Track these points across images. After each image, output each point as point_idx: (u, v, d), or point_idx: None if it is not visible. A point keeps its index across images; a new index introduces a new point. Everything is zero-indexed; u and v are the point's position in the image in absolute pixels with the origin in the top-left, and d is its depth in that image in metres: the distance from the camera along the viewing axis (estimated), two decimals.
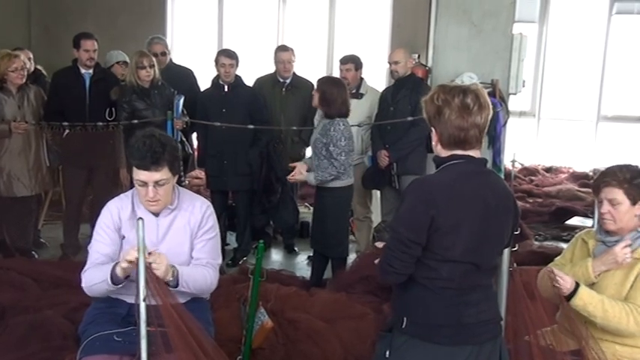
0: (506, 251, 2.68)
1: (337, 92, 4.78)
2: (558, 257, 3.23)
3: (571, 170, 10.15)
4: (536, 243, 6.35)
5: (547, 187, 9.04)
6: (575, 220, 7.23)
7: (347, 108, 4.84)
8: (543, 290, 2.98)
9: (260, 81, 6.18)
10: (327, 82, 4.97)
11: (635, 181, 2.88)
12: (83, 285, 2.89)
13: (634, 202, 2.88)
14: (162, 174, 2.80)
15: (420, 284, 2.40)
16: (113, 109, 5.49)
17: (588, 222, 6.86)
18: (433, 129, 2.43)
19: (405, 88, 5.49)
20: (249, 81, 5.97)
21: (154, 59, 5.53)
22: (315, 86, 4.96)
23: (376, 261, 2.52)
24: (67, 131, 5.41)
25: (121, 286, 2.77)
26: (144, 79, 5.42)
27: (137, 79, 5.43)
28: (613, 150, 10.12)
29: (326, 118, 4.80)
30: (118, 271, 2.70)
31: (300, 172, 4.88)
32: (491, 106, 2.42)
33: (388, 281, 2.53)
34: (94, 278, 2.81)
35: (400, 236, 2.35)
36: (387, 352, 2.47)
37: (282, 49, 6.13)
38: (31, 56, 6.20)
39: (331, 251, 5.04)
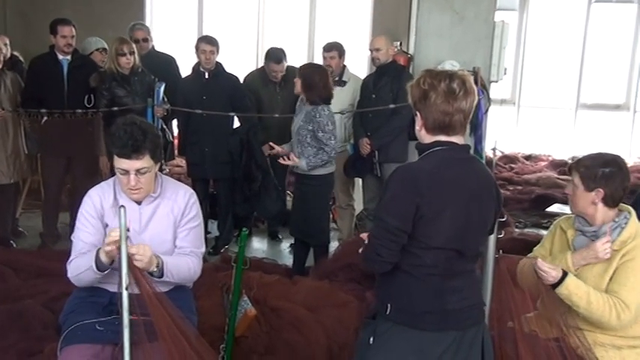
0: (492, 238, 2.69)
1: (319, 78, 4.77)
2: (537, 247, 3.24)
3: (550, 158, 10.23)
4: (517, 230, 6.39)
5: (527, 175, 9.11)
6: (555, 208, 7.28)
7: (329, 93, 4.83)
8: (522, 281, 3.00)
9: (249, 78, 6.11)
10: (308, 68, 4.98)
11: (594, 169, 2.90)
12: (69, 275, 2.84)
13: (589, 189, 2.90)
14: (144, 162, 2.77)
15: (404, 271, 2.40)
16: (92, 95, 5.42)
17: (567, 209, 6.89)
18: (418, 113, 2.43)
19: (387, 76, 5.47)
20: (230, 68, 5.91)
21: (134, 46, 5.46)
22: (297, 73, 4.93)
23: (360, 250, 2.51)
24: (45, 118, 5.33)
25: (107, 272, 2.72)
26: (124, 66, 5.36)
27: (117, 66, 5.37)
28: (592, 138, 10.22)
29: (309, 105, 4.78)
30: (102, 257, 2.66)
31: (292, 159, 4.82)
32: (476, 93, 2.42)
33: (374, 270, 2.50)
34: (80, 267, 2.77)
35: (387, 225, 2.34)
36: (371, 339, 2.47)
37: (275, 60, 5.89)
38: (8, 42, 6.10)
39: (313, 239, 5.04)
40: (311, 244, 5.10)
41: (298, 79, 4.83)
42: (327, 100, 4.81)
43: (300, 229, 5.05)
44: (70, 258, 2.87)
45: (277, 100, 5.92)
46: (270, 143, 5.05)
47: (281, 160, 4.87)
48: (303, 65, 5.09)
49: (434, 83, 2.36)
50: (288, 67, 5.98)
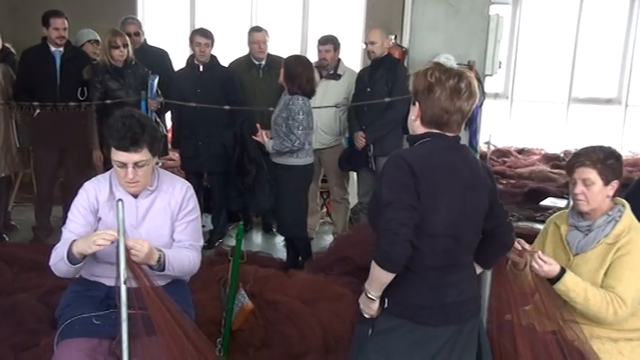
0: None
1: (302, 70, 4.77)
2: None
3: (543, 152, 10.26)
4: None
5: (520, 169, 9.13)
6: (548, 201, 7.32)
7: (312, 87, 4.83)
8: (514, 277, 2.99)
9: (234, 64, 6.09)
10: (293, 59, 4.95)
11: (608, 161, 2.91)
12: (50, 263, 2.81)
13: (606, 183, 2.90)
14: (142, 155, 2.75)
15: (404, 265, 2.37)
16: (85, 88, 5.38)
17: (561, 203, 6.95)
18: (417, 103, 2.41)
19: (382, 69, 5.47)
20: (223, 61, 5.88)
21: (127, 38, 5.42)
22: (283, 63, 4.91)
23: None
24: (37, 111, 5.28)
25: (79, 266, 2.69)
26: (117, 58, 5.32)
27: (110, 59, 5.33)
28: (584, 132, 10.24)
29: (288, 95, 4.77)
30: (74, 249, 2.61)
31: (262, 136, 4.85)
32: (478, 96, 2.41)
33: (396, 256, 2.26)
34: (58, 255, 2.74)
35: (399, 203, 2.26)
36: (370, 332, 2.45)
37: (255, 29, 6.06)
38: None
39: (288, 231, 5.05)
40: (287, 236, 5.10)
41: (282, 68, 4.82)
42: (308, 94, 4.81)
43: (277, 220, 5.09)
44: (56, 246, 2.84)
45: (259, 84, 5.90)
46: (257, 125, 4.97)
47: (255, 136, 4.89)
48: (289, 56, 5.06)
49: (442, 78, 2.34)
50: (274, 56, 5.99)
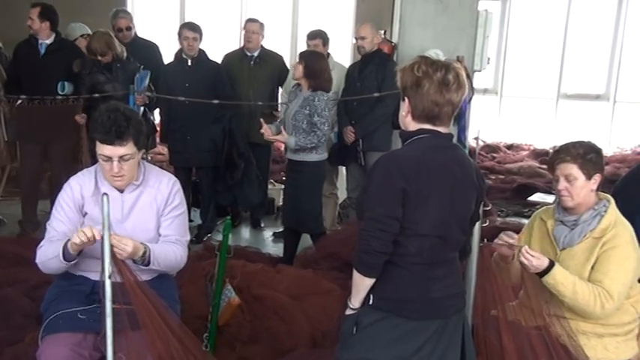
0: (477, 227, 2.68)
1: (324, 66, 4.77)
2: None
3: (532, 147, 10.32)
4: (499, 219, 6.43)
5: (508, 164, 9.18)
6: (536, 197, 7.35)
7: (330, 83, 4.82)
8: (497, 270, 3.00)
9: (228, 56, 6.11)
10: (312, 55, 4.90)
11: (589, 155, 2.92)
12: (37, 261, 2.80)
13: (589, 177, 2.92)
14: (127, 149, 2.73)
15: (388, 261, 2.36)
16: (65, 82, 5.30)
17: (549, 198, 6.97)
18: (406, 99, 2.39)
19: (372, 64, 5.46)
20: (211, 55, 5.87)
21: (110, 40, 5.30)
22: (298, 58, 4.84)
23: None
24: (19, 102, 5.22)
25: (73, 263, 2.69)
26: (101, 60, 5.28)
27: None
28: (572, 127, 10.29)
29: (308, 91, 4.72)
30: (69, 247, 2.62)
31: (272, 133, 4.78)
32: (467, 87, 2.40)
33: (369, 268, 2.35)
34: (48, 253, 2.74)
35: (374, 214, 2.30)
36: (354, 329, 2.45)
37: (250, 20, 6.08)
38: None
39: (305, 227, 5.01)
40: (304, 232, 5.06)
41: (300, 64, 4.73)
42: (327, 90, 4.79)
43: (292, 217, 4.97)
44: (41, 244, 2.83)
45: (248, 76, 5.88)
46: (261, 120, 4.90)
47: (269, 136, 4.81)
48: (306, 52, 5.00)
49: (429, 72, 2.33)
50: (268, 51, 6.00)
